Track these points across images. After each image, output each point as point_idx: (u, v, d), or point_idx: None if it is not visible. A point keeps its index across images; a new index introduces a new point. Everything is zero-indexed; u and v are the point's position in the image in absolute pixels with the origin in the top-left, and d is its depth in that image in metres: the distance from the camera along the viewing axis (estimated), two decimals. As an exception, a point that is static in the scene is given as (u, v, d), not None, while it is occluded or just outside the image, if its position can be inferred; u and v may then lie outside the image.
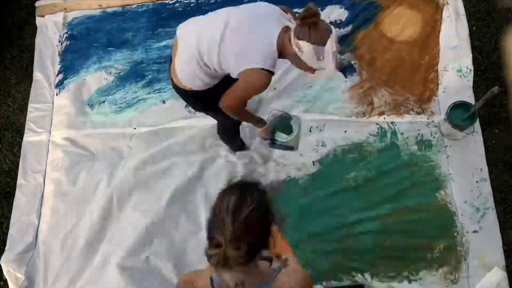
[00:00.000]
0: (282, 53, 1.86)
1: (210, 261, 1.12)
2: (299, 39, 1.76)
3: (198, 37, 1.91)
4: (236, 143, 2.71)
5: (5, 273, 2.61)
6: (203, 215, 2.60)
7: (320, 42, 1.76)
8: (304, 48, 1.78)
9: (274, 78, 1.95)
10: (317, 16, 1.74)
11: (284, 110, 2.47)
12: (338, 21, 3.01)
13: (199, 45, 1.90)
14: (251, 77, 1.83)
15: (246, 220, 1.13)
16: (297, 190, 2.65)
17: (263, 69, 1.81)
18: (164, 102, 2.94)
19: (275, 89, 2.86)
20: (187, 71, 2.00)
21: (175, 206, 2.67)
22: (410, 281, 2.41)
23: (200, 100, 2.15)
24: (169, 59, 2.14)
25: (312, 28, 1.74)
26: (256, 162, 2.71)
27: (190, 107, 2.68)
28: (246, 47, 1.82)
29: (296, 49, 1.80)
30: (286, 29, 1.84)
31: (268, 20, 1.86)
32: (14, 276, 2.60)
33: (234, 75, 1.90)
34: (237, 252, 1.11)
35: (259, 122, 2.22)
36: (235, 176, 2.63)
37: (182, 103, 2.87)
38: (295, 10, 3.04)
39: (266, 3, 1.96)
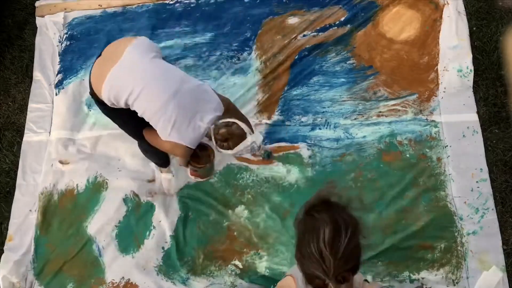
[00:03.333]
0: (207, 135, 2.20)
1: None
2: (222, 148, 2.19)
3: (141, 80, 2.01)
4: (158, 159, 2.63)
5: (0, 278, 2.61)
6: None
7: (239, 143, 2.18)
8: (227, 152, 2.20)
9: None
10: (230, 137, 2.16)
11: None
12: (337, 21, 3.01)
13: (140, 86, 2.00)
14: (177, 149, 2.09)
15: (344, 253, 1.11)
16: (296, 192, 2.64)
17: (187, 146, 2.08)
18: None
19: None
20: (112, 93, 2.05)
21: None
22: (411, 281, 2.41)
23: (118, 117, 2.28)
24: (97, 57, 2.17)
25: (228, 141, 2.16)
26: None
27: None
28: (183, 126, 2.03)
29: (221, 150, 2.21)
30: (217, 125, 2.19)
31: (207, 105, 2.08)
32: (8, 281, 2.60)
33: (160, 136, 2.08)
34: (340, 284, 1.12)
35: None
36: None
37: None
38: (294, 10, 3.09)
39: (209, 88, 2.17)
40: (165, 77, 2.04)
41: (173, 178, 2.69)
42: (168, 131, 2.03)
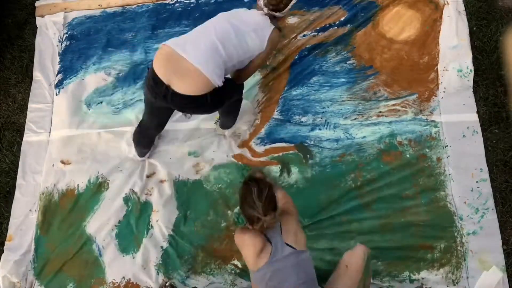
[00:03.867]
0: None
1: (256, 227, 1.94)
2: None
3: (213, 37, 2.19)
4: (141, 148, 2.75)
5: (0, 278, 2.62)
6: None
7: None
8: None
9: None
10: None
11: None
12: (337, 21, 3.01)
13: (219, 42, 2.18)
14: (275, 37, 2.31)
15: (266, 200, 1.90)
16: (296, 192, 2.64)
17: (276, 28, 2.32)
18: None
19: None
20: (214, 68, 2.16)
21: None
22: (411, 281, 2.41)
23: (220, 95, 2.30)
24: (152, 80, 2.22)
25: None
26: None
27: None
28: (256, 23, 2.27)
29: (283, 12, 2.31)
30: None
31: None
32: (8, 280, 2.61)
33: (259, 49, 2.28)
34: (269, 217, 1.91)
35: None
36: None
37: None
38: (294, 10, 3.08)
39: None
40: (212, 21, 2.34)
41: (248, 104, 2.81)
42: (259, 35, 2.27)
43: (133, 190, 2.73)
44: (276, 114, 2.84)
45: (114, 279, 2.58)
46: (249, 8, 3.08)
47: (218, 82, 2.17)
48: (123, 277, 2.57)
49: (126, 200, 2.73)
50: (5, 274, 2.61)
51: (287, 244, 1.98)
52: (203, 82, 2.15)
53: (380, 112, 2.77)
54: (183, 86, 2.15)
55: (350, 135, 2.74)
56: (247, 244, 2.00)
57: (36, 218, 2.76)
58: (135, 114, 2.93)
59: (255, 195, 1.91)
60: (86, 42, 3.22)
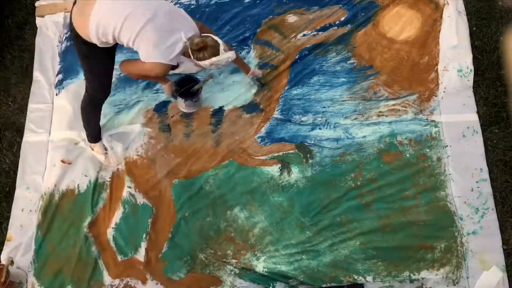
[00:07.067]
0: (184, 54, 2.35)
1: None
2: (199, 60, 2.30)
3: (122, 11, 2.20)
4: (91, 128, 2.75)
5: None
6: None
7: (215, 54, 2.29)
8: (204, 64, 2.32)
9: None
10: (204, 47, 2.26)
11: None
12: (338, 21, 3.01)
13: (121, 19, 2.20)
14: (157, 67, 2.30)
15: None
16: (296, 192, 2.64)
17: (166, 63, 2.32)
18: (163, 104, 2.93)
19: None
20: (100, 30, 2.23)
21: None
22: (411, 281, 2.41)
23: (95, 59, 2.43)
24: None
25: (203, 51, 2.28)
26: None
27: (184, 110, 2.85)
28: (162, 44, 2.24)
29: (198, 63, 2.33)
30: (191, 37, 2.30)
31: (183, 26, 2.30)
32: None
33: (142, 57, 2.30)
34: None
35: (161, 80, 2.67)
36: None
37: (181, 104, 2.90)
38: (294, 10, 3.09)
39: (184, 12, 2.39)
40: (142, 5, 2.23)
41: (108, 154, 2.79)
42: (150, 51, 2.24)
43: (130, 192, 2.73)
44: (276, 114, 2.84)
45: (113, 281, 2.57)
46: (249, 8, 3.14)
47: (92, 35, 2.26)
48: (122, 279, 2.57)
49: (124, 202, 2.72)
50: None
51: None
52: (84, 29, 2.27)
53: (380, 112, 2.78)
54: (80, 19, 2.28)
55: (350, 135, 2.74)
56: None
57: (36, 218, 2.75)
58: (136, 114, 2.93)
59: None
60: (86, 42, 3.22)
